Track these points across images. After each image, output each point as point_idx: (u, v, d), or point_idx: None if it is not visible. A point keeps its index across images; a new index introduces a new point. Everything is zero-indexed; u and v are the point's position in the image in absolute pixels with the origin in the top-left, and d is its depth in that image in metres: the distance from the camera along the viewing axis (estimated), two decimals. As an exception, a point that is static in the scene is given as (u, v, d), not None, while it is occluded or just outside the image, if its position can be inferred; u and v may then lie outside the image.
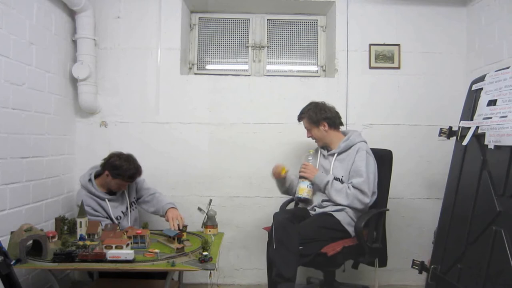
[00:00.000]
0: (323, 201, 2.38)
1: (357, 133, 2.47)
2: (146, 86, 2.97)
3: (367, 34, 3.02)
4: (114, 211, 2.44)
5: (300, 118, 2.54)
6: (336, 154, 2.42)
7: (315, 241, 2.19)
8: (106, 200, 2.43)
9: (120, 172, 2.37)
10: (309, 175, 2.41)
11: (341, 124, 2.53)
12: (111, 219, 2.41)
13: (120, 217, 2.47)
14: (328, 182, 2.34)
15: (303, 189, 2.41)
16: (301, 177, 2.44)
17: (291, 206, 2.68)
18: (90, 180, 2.44)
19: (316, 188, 2.43)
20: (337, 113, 2.50)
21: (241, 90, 3.01)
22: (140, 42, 2.96)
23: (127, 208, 2.51)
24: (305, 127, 2.52)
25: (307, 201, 2.44)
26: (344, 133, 2.51)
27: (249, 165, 2.99)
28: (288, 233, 2.15)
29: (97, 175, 2.49)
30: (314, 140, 2.53)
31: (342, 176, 2.36)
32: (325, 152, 2.51)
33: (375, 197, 2.35)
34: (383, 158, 2.43)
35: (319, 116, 2.45)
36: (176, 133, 2.98)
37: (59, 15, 2.66)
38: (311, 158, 2.50)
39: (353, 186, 2.29)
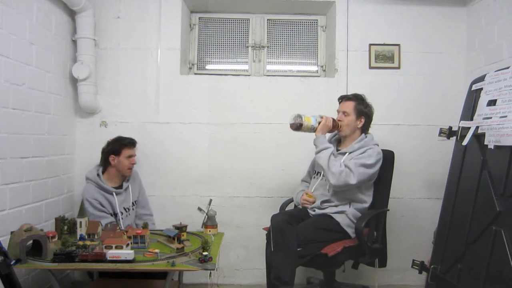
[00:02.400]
0: (322, 202, 2.36)
1: (370, 136, 2.43)
2: (146, 86, 2.97)
3: (367, 34, 3.02)
4: (120, 206, 2.50)
5: (347, 98, 2.44)
6: (347, 154, 2.38)
7: (313, 242, 2.19)
8: (114, 193, 2.49)
9: (119, 143, 2.53)
10: (322, 126, 2.34)
11: (367, 132, 2.47)
12: (116, 214, 2.47)
13: (124, 212, 2.52)
14: (327, 148, 2.31)
15: (309, 119, 2.33)
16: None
17: (291, 206, 2.68)
18: (98, 175, 2.50)
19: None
20: (371, 121, 2.47)
21: (241, 90, 3.00)
22: (140, 42, 2.96)
23: (130, 206, 2.58)
24: (343, 110, 2.41)
25: (297, 119, 2.32)
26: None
27: (249, 165, 2.99)
28: (285, 236, 2.15)
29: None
30: (334, 127, 2.41)
31: None
32: (334, 151, 2.43)
33: (369, 200, 2.37)
34: (385, 158, 2.42)
35: (366, 110, 2.41)
36: (176, 133, 2.98)
37: (59, 15, 2.65)
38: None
39: (345, 165, 2.27)
